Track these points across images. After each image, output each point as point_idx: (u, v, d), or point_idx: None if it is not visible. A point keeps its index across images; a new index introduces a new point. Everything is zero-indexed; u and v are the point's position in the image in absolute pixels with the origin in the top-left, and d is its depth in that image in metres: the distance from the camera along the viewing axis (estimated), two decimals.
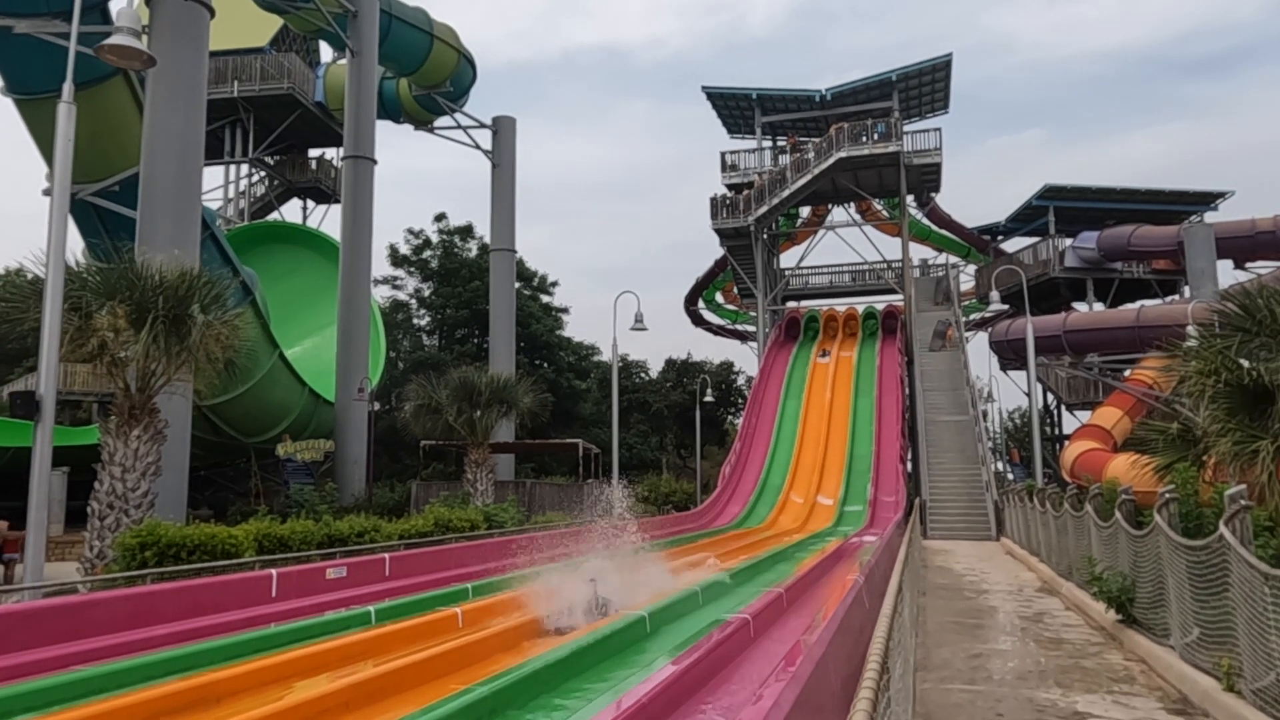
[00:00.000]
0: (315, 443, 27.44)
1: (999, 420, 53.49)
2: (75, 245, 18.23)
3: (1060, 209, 39.80)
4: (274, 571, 9.69)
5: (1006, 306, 32.07)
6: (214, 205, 37.73)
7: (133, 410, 13.19)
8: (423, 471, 33.25)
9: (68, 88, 10.78)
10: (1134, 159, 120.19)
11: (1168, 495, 8.28)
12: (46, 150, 23.63)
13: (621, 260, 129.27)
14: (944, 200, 48.13)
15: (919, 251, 48.59)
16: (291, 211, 46.23)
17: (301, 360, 32.38)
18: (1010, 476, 37.87)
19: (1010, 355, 37.87)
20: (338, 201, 37.66)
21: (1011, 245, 46.27)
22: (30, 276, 15.63)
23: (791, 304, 43.55)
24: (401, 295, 47.46)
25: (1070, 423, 40.19)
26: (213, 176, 41.67)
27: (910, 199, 41.47)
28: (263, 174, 44.01)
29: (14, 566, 15.98)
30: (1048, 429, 41.47)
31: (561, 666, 6.75)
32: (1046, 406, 41.89)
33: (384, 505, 24.78)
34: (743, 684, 6.70)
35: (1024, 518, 19.13)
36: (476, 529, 18.01)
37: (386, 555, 11.80)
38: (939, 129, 38.44)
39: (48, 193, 31.84)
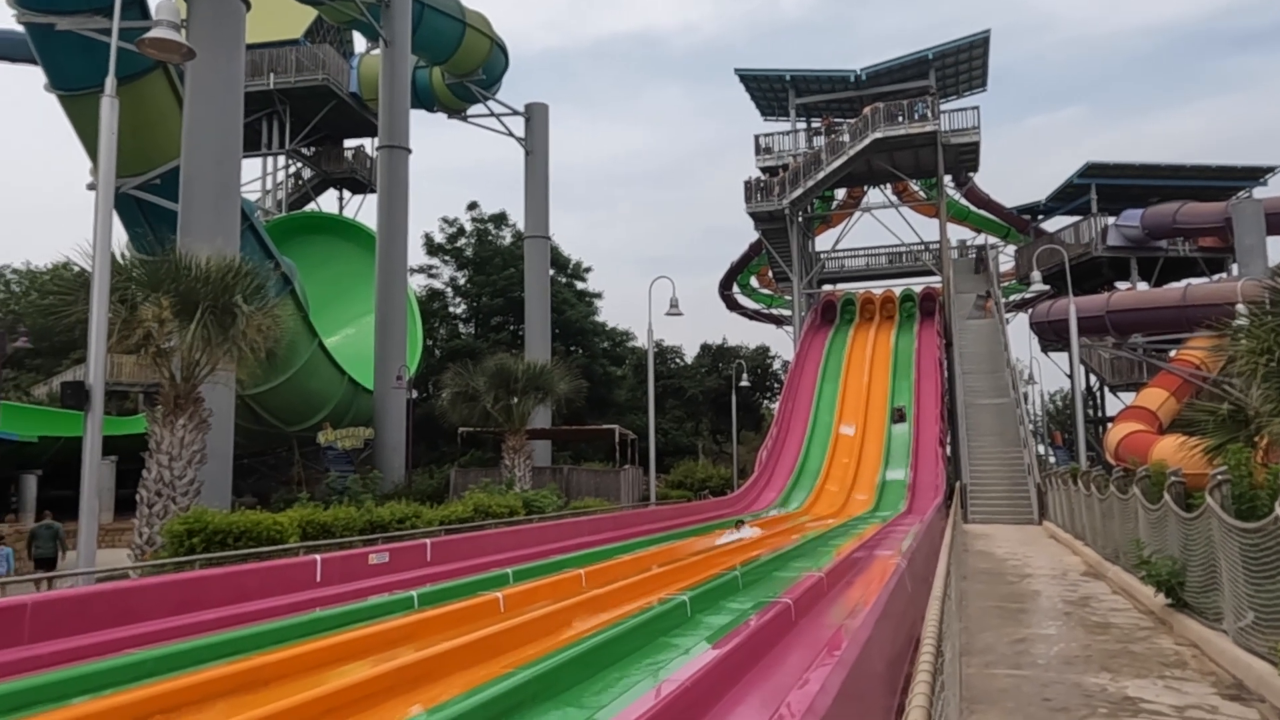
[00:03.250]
0: (355, 430, 27.76)
1: (1040, 403, 52.79)
2: (119, 238, 18.55)
3: (1102, 187, 39.01)
4: (318, 557, 9.81)
5: (1047, 287, 31.50)
6: (252, 197, 38.18)
7: (178, 400, 13.41)
8: (460, 458, 33.52)
9: (110, 82, 10.93)
10: (1176, 136, 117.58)
11: (1220, 477, 8.09)
12: (90, 145, 24.05)
13: (655, 246, 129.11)
14: (982, 180, 47.41)
15: (957, 232, 47.99)
16: (328, 202, 46.69)
17: (340, 349, 32.75)
18: (1052, 459, 37.33)
19: (1051, 336, 37.28)
20: (373, 191, 37.96)
21: (1052, 225, 45.48)
22: (77, 270, 15.95)
23: (827, 287, 43.18)
24: (437, 284, 47.83)
25: (1113, 404, 39.57)
26: (250, 168, 42.09)
27: (948, 179, 40.89)
28: (299, 165, 44.47)
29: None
30: (1090, 411, 40.80)
31: (603, 651, 6.76)
32: (1089, 388, 41.20)
33: (423, 492, 25.02)
34: (785, 668, 6.66)
35: (1068, 501, 18.84)
36: (516, 515, 18.13)
37: (428, 541, 11.90)
38: (977, 107, 37.88)
39: (92, 186, 32.46)
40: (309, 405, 29.95)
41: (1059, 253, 33.04)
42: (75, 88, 22.64)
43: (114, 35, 11.37)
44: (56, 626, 6.85)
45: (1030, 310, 40.04)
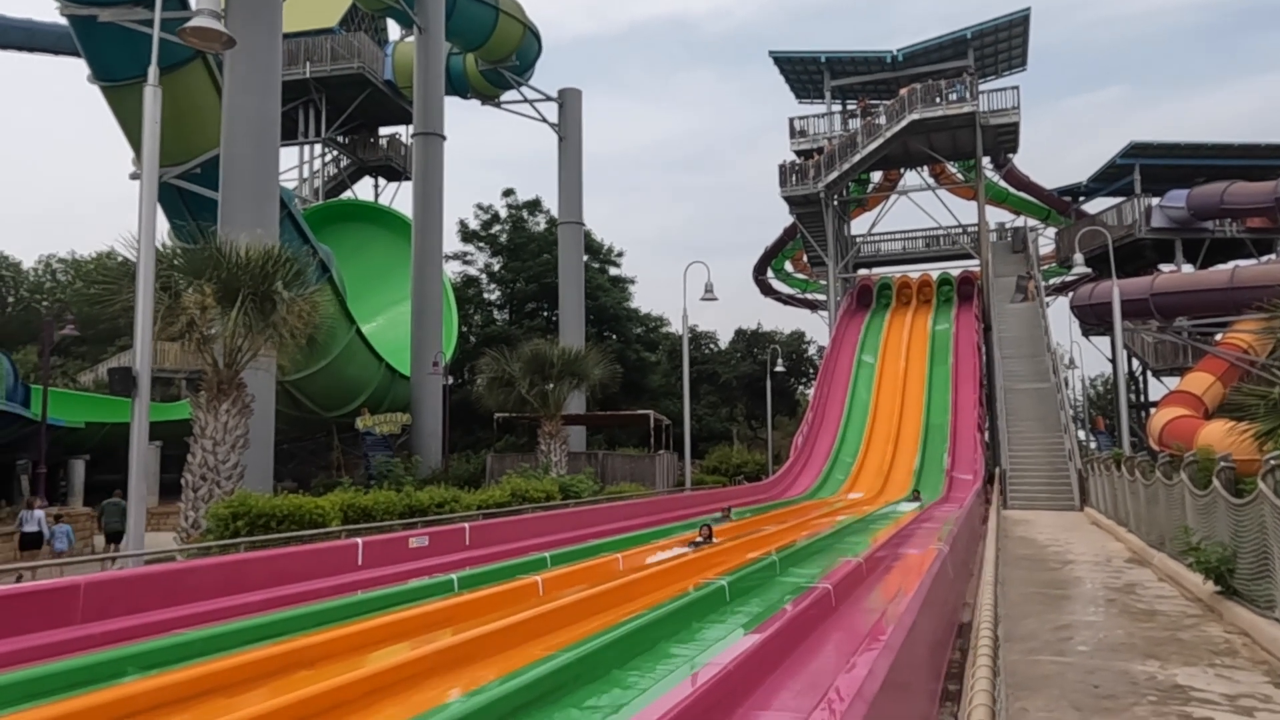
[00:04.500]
0: (393, 416, 28.06)
1: (1081, 387, 51.98)
2: (161, 227, 18.85)
3: (1146, 167, 38.13)
4: (359, 541, 9.93)
5: (1089, 270, 30.94)
6: (289, 185, 38.56)
7: (221, 385, 13.62)
8: (496, 443, 33.75)
9: (153, 71, 11.06)
10: (1221, 115, 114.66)
11: (1273, 462, 7.90)
12: (132, 135, 24.43)
13: (689, 232, 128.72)
14: (1022, 162, 46.61)
15: (995, 215, 47.27)
16: (363, 190, 47.07)
17: (376, 335, 33.06)
18: (1094, 445, 36.75)
19: (1093, 320, 36.62)
20: (408, 179, 38.17)
21: (1093, 207, 44.58)
22: (120, 259, 16.21)
23: (863, 271, 42.78)
24: (472, 270, 48.05)
25: (1156, 389, 38.83)
26: (287, 157, 42.48)
27: (986, 161, 40.25)
28: (335, 153, 44.83)
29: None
30: (1133, 396, 40.08)
31: (643, 634, 6.77)
32: (1131, 373, 40.46)
33: (460, 476, 25.23)
34: (826, 654, 6.63)
35: (1110, 487, 18.55)
36: (552, 500, 18.22)
37: (466, 525, 12.00)
38: (1016, 87, 37.18)
39: (135, 176, 33.02)
40: (347, 391, 30.29)
41: (1101, 234, 32.41)
42: (117, 79, 22.98)
43: (155, 25, 11.50)
44: (108, 607, 7.00)
45: (1071, 293, 39.36)
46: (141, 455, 10.69)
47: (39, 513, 17.57)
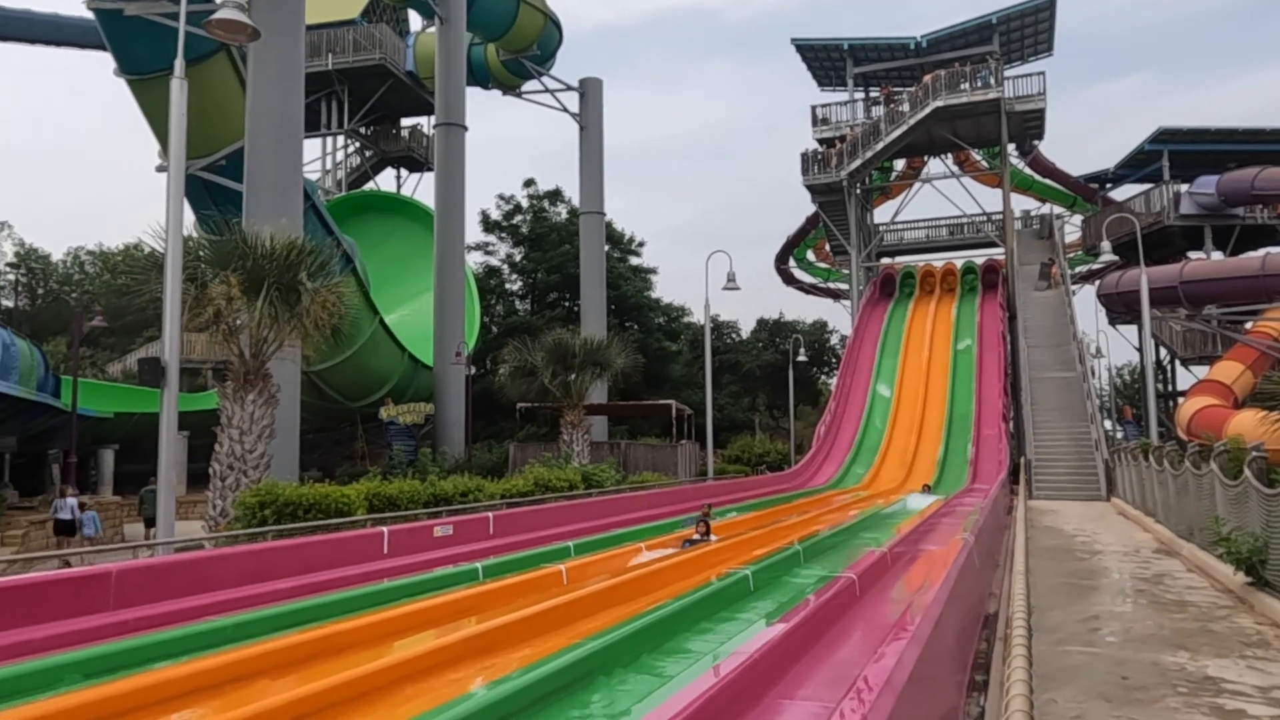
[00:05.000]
0: (416, 406, 28.21)
1: (1107, 377, 51.44)
2: (187, 219, 19.01)
3: (1175, 153, 37.58)
4: (385, 529, 10.00)
5: (1116, 258, 30.53)
6: (312, 177, 38.79)
7: (247, 375, 13.74)
8: (518, 433, 33.86)
9: (179, 64, 11.14)
10: (1253, 100, 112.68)
11: None
12: (159, 128, 24.65)
13: (710, 221, 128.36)
14: (1047, 148, 46.08)
15: (1021, 203, 46.78)
16: (386, 181, 47.25)
17: (399, 326, 33.22)
18: (1121, 435, 36.40)
19: (1120, 308, 36.19)
20: (430, 170, 38.31)
21: (1121, 194, 44.01)
22: (147, 251, 16.39)
23: (886, 260, 42.49)
24: (494, 261, 48.13)
25: (1185, 378, 38.36)
26: (310, 149, 42.80)
27: (1011, 148, 39.81)
28: (358, 145, 45.01)
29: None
30: (1160, 385, 39.63)
31: (669, 623, 6.78)
32: (1159, 362, 40.00)
33: (483, 466, 25.35)
34: (851, 643, 6.62)
35: (1138, 477, 18.36)
36: (575, 489, 18.27)
37: (490, 514, 12.05)
38: (1043, 73, 36.87)
39: (161, 169, 33.30)
40: (371, 381, 30.49)
41: (1129, 222, 32.00)
42: (143, 72, 23.18)
43: (181, 17, 11.57)
44: (139, 594, 7.10)
45: (1098, 282, 38.91)
46: (171, 445, 10.82)
47: (71, 500, 18.24)
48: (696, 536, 11.67)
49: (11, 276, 50.91)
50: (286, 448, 18.60)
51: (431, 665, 5.90)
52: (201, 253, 14.15)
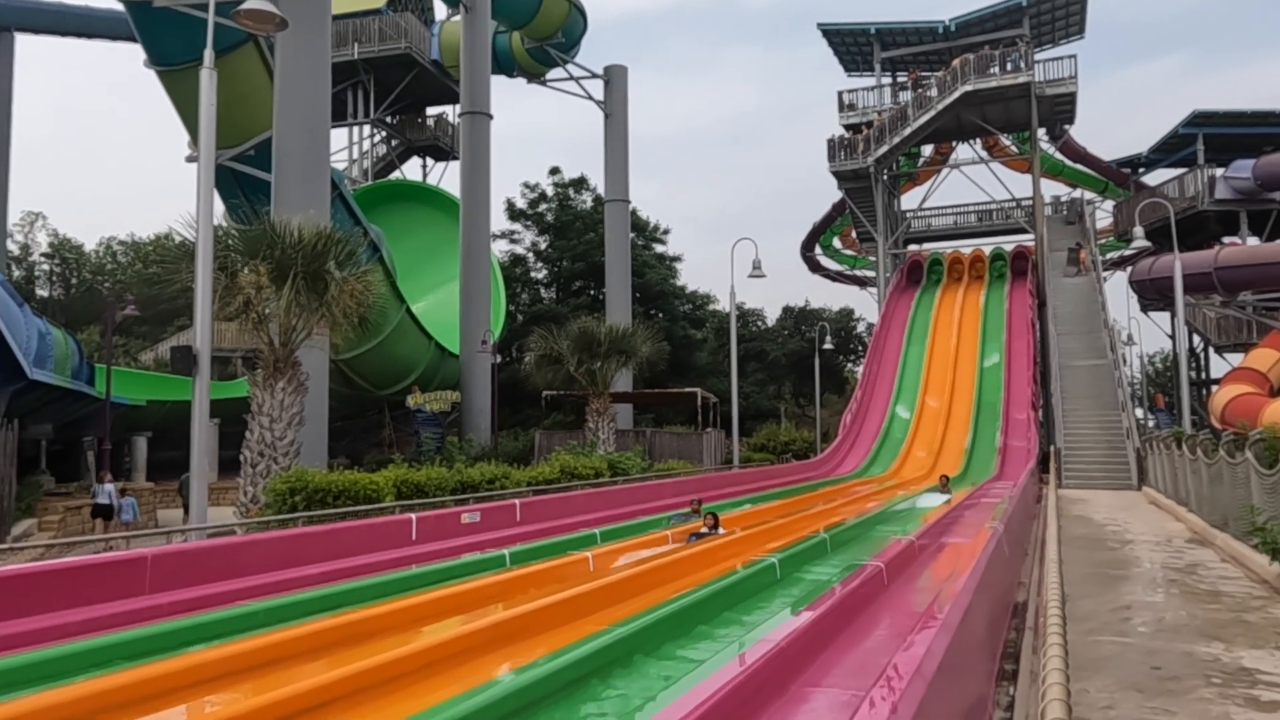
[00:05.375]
0: (443, 394, 28.40)
1: (1139, 365, 50.76)
2: (217, 209, 19.20)
3: (1210, 136, 36.87)
4: (413, 516, 10.09)
5: (1149, 244, 30.07)
6: (339, 166, 39.02)
7: (277, 364, 13.88)
8: (544, 421, 34.00)
9: (208, 54, 11.23)
10: None
11: None
12: (188, 119, 24.89)
13: (735, 209, 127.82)
14: (1078, 133, 45.36)
15: (1051, 188, 46.11)
16: (412, 170, 47.44)
17: (426, 314, 33.42)
18: (1152, 423, 35.94)
19: (1152, 295, 35.67)
20: (456, 158, 38.38)
21: (1154, 178, 43.28)
22: (178, 240, 16.58)
23: (913, 247, 42.09)
24: (519, 249, 48.27)
25: (1218, 366, 37.76)
26: (337, 138, 42.85)
27: (1041, 133, 39.25)
28: (383, 134, 45.21)
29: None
30: (1193, 373, 39.05)
31: (696, 610, 6.79)
32: (1192, 349, 39.40)
33: (509, 454, 25.48)
34: (879, 632, 6.59)
35: (1170, 466, 18.12)
36: (601, 476, 18.32)
37: (517, 501, 12.12)
38: (1074, 56, 36.16)
39: (191, 159, 33.61)
40: (398, 369, 30.71)
41: (1163, 207, 31.47)
42: (172, 63, 23.40)
43: (210, 8, 11.66)
44: (173, 578, 7.21)
45: (1130, 268, 38.36)
46: (203, 432, 10.96)
47: (110, 486, 18.82)
48: (704, 530, 10.97)
49: (46, 266, 51.72)
50: (315, 435, 18.80)
51: (459, 650, 5.94)
52: (231, 242, 14.30)
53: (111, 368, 24.38)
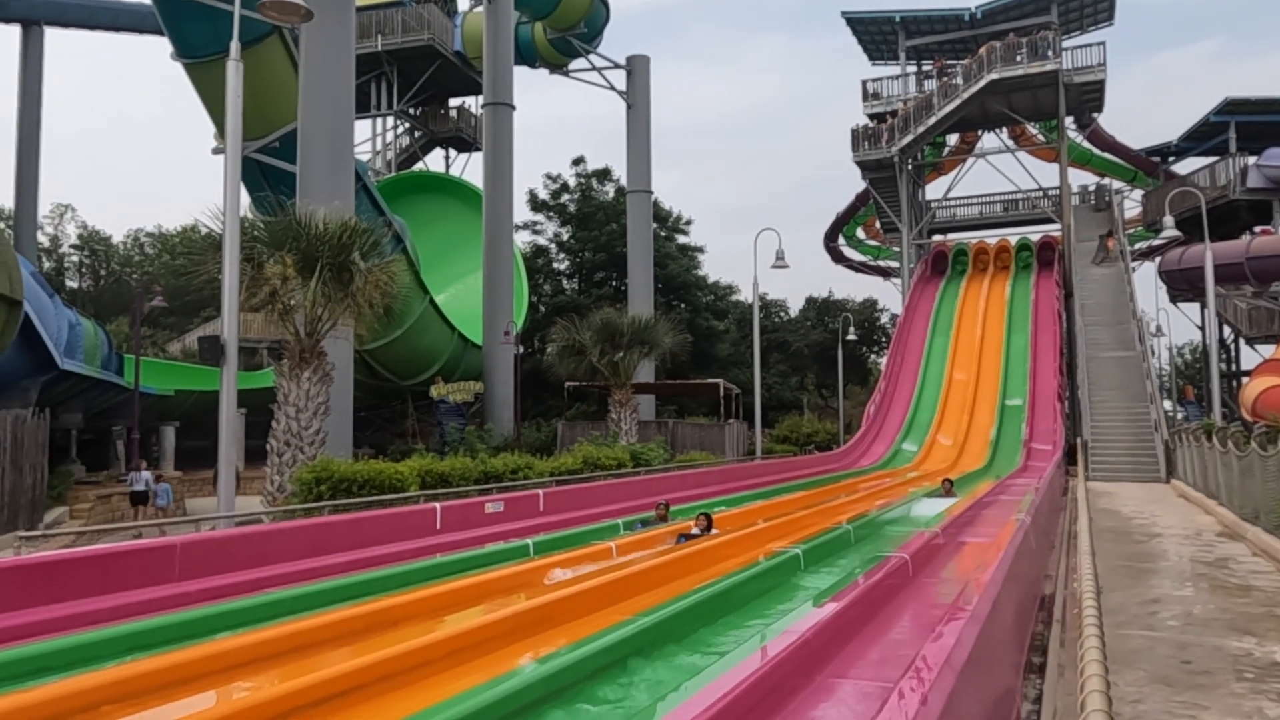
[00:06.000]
0: (466, 384, 28.51)
1: (1168, 356, 50.10)
2: (243, 200, 19.34)
3: (1242, 124, 36.27)
4: (438, 505, 10.14)
5: (1179, 233, 29.62)
6: (363, 158, 39.21)
7: (303, 354, 13.98)
8: (567, 412, 34.06)
9: (235, 45, 11.29)
10: None
11: None
12: (215, 111, 25.07)
13: (758, 199, 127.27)
14: (1107, 121, 44.74)
15: (1078, 177, 45.54)
16: (435, 161, 47.60)
17: (449, 305, 33.55)
18: (1182, 415, 35.49)
19: (1182, 286, 35.20)
20: (479, 149, 38.47)
21: (1184, 167, 42.68)
22: (204, 232, 16.72)
23: (938, 237, 41.76)
24: (541, 240, 48.30)
25: (1249, 357, 37.20)
26: (360, 130, 43.15)
27: (1069, 121, 38.76)
28: (406, 126, 45.36)
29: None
30: (1224, 364, 38.50)
31: (721, 600, 6.79)
32: (1222, 340, 38.85)
33: (532, 444, 25.56)
34: (904, 623, 6.56)
35: (1200, 458, 17.89)
36: (624, 467, 18.34)
37: (540, 491, 12.16)
38: (1103, 43, 35.62)
39: (217, 151, 33.86)
40: (421, 360, 30.86)
41: (1193, 196, 31.01)
42: (199, 55, 23.58)
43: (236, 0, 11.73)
44: (202, 566, 7.29)
45: (1159, 258, 37.84)
46: (231, 421, 11.07)
47: (146, 474, 19.78)
48: (696, 531, 10.14)
49: (75, 258, 52.40)
50: (340, 425, 18.92)
51: (484, 639, 5.96)
52: (257, 233, 14.41)
53: (140, 358, 24.67)
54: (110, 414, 27.10)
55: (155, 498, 19.31)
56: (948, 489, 16.57)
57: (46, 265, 46.98)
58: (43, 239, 46.56)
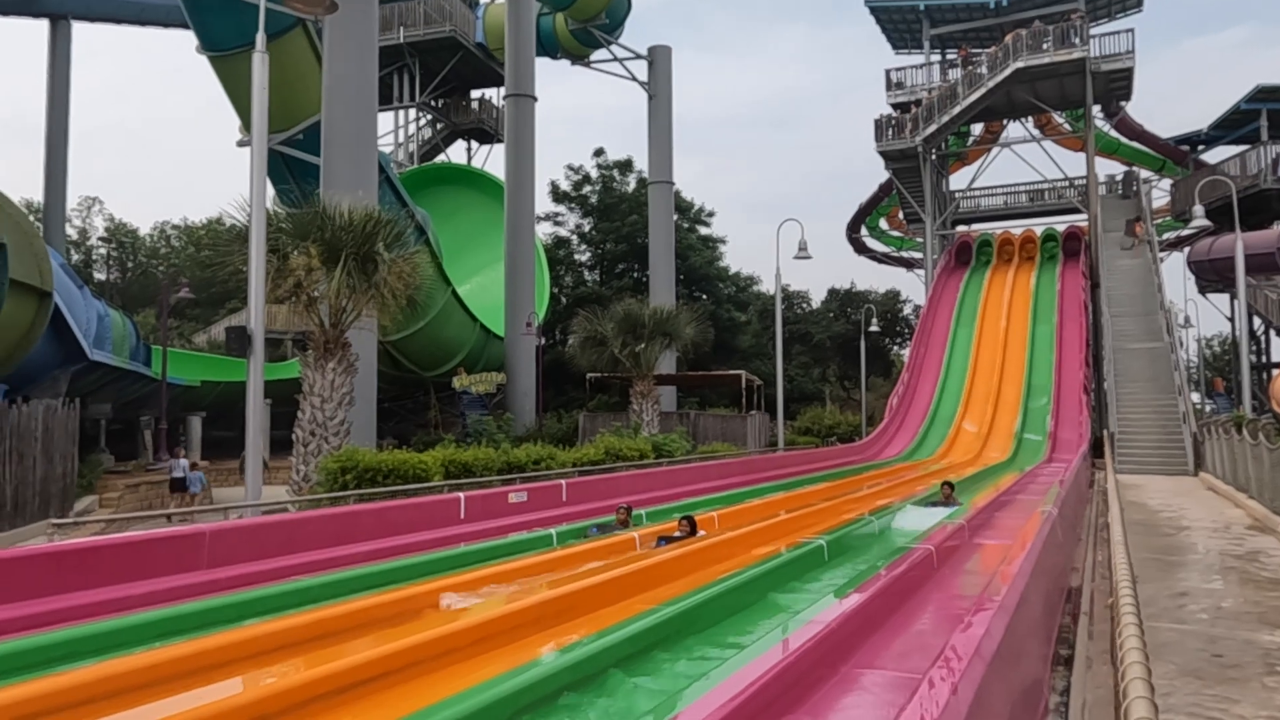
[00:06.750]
0: (488, 375, 28.62)
1: (1196, 348, 49.43)
2: (267, 192, 19.48)
3: (1274, 112, 35.64)
4: (461, 495, 10.18)
5: (1208, 223, 29.18)
6: (385, 150, 39.35)
7: (327, 345, 14.09)
8: (588, 403, 34.11)
9: (260, 37, 11.35)
10: None
11: None
12: (240, 104, 25.24)
13: (779, 190, 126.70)
14: (1135, 109, 44.12)
15: (1105, 167, 44.97)
16: (456, 153, 47.70)
17: (471, 297, 33.67)
18: (1210, 408, 35.03)
19: (1211, 276, 34.70)
20: (500, 141, 38.48)
21: (1214, 156, 42.01)
22: (229, 224, 16.86)
23: (962, 228, 41.40)
24: (563, 231, 48.32)
25: None
26: (383, 122, 43.27)
27: (1096, 109, 38.25)
28: (429, 117, 45.48)
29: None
30: (1254, 356, 37.95)
31: (744, 590, 6.78)
32: (1252, 332, 38.28)
33: (554, 435, 25.63)
34: (928, 614, 6.52)
35: (1229, 451, 17.66)
36: (646, 458, 18.35)
37: (563, 481, 12.18)
38: (1131, 30, 35.10)
39: (242, 144, 34.10)
40: (444, 351, 31.00)
41: (1224, 185, 30.53)
42: (224, 48, 23.72)
43: None
44: (230, 553, 7.36)
45: (1187, 249, 37.31)
46: (258, 411, 11.17)
47: (184, 461, 20.99)
48: (678, 534, 9.33)
49: (103, 250, 53.01)
50: (365, 415, 19.07)
51: (508, 628, 5.98)
52: (282, 224, 14.50)
53: (167, 349, 24.93)
54: (138, 404, 27.44)
55: (189, 485, 20.26)
56: (947, 495, 13.59)
57: (75, 257, 47.56)
58: (71, 232, 47.16)
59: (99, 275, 51.27)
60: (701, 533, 9.53)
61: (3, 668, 4.61)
